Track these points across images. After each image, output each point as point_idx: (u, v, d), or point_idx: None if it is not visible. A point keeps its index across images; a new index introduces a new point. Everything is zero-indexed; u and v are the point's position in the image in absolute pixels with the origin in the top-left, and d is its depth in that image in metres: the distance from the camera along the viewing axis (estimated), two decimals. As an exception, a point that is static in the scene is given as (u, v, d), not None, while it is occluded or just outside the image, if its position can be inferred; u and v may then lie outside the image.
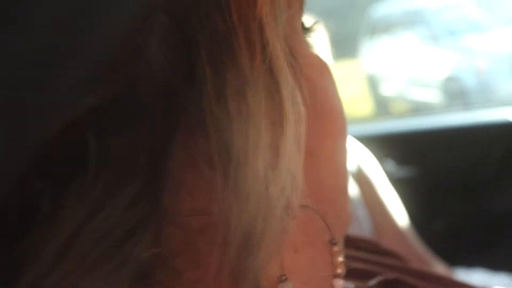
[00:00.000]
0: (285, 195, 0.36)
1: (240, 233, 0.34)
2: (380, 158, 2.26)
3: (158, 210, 0.35)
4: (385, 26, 8.50)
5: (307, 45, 0.49)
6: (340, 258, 0.45)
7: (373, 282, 0.62)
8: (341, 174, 0.46)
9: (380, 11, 8.54)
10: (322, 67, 0.48)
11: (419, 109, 7.51)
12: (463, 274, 1.79)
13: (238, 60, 0.35)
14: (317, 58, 0.49)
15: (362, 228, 1.51)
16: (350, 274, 0.62)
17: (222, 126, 0.34)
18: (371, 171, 1.61)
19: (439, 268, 1.59)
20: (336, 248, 0.44)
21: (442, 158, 2.31)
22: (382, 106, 8.36)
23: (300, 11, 0.47)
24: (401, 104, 8.17)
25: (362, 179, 1.59)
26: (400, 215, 1.58)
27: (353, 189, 1.55)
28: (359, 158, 1.62)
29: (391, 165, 2.27)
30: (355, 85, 9.05)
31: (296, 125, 0.37)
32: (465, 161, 2.31)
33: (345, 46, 9.14)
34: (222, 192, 0.34)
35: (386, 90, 8.30)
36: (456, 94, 7.14)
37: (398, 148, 2.31)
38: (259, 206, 0.34)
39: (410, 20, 8.23)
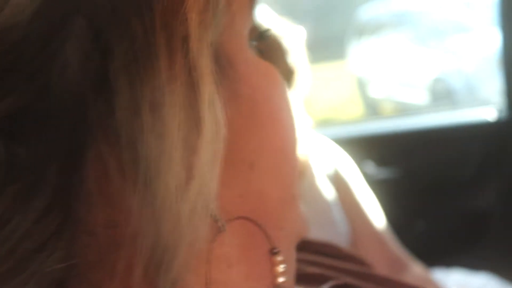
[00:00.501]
0: (198, 210, 0.35)
1: (152, 247, 0.33)
2: (361, 159, 2.26)
3: (71, 221, 0.34)
4: (373, 28, 8.49)
5: (253, 53, 0.47)
6: (282, 268, 0.44)
7: (325, 287, 0.61)
8: (286, 185, 0.45)
9: (367, 12, 8.54)
10: (269, 76, 0.47)
11: (407, 110, 7.51)
12: (441, 274, 1.79)
13: (156, 72, 0.34)
14: (264, 67, 0.47)
15: (339, 230, 1.50)
16: (304, 279, 0.61)
17: (135, 138, 0.33)
18: (348, 173, 1.60)
19: (417, 269, 1.58)
20: (277, 258, 0.44)
21: (422, 159, 2.31)
22: (371, 108, 8.36)
23: (247, 18, 0.46)
24: (390, 105, 8.17)
25: (339, 182, 1.58)
26: (377, 217, 1.57)
27: (330, 192, 1.54)
28: (336, 161, 1.61)
29: (372, 166, 2.27)
30: (344, 87, 9.04)
31: (212, 141, 0.36)
32: (444, 162, 2.32)
33: (333, 48, 9.13)
34: (134, 205, 0.33)
35: (375, 91, 8.29)
36: (443, 95, 7.15)
37: (378, 149, 2.31)
38: (170, 221, 0.34)
39: (397, 21, 8.23)
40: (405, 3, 8.20)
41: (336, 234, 1.50)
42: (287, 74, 1.49)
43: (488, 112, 2.37)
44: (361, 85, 8.61)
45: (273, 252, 0.43)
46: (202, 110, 0.35)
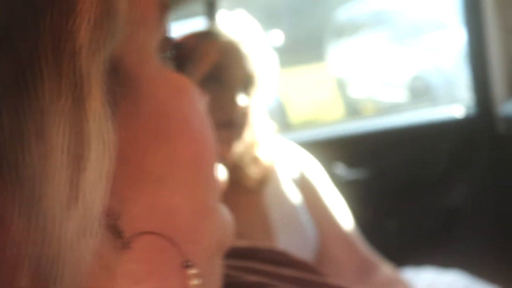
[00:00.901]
0: (85, 229, 0.34)
1: (35, 269, 0.33)
2: (331, 161, 2.26)
3: None
4: (351, 28, 8.52)
5: (162, 66, 0.47)
6: (196, 281, 0.44)
7: None
8: (199, 198, 0.45)
9: (345, 13, 8.56)
10: (178, 88, 0.45)
11: (387, 109, 7.54)
12: (411, 274, 1.79)
13: (40, 91, 0.33)
14: (173, 79, 0.46)
15: (306, 234, 1.50)
16: (241, 287, 0.61)
17: (19, 160, 0.32)
18: (314, 176, 1.60)
19: (386, 269, 1.58)
20: (191, 271, 0.44)
21: (391, 159, 2.32)
22: (352, 108, 8.38)
23: (155, 30, 0.45)
24: (370, 104, 8.20)
25: (305, 185, 1.58)
26: (345, 219, 1.57)
27: (296, 196, 1.54)
28: (301, 164, 1.61)
29: (342, 167, 2.27)
30: (324, 88, 9.05)
31: (100, 160, 0.35)
32: (414, 161, 2.32)
33: (312, 50, 9.16)
34: (18, 227, 0.33)
35: (355, 91, 8.32)
36: (422, 92, 7.18)
37: (348, 150, 2.31)
38: (56, 241, 0.33)
39: (375, 21, 8.26)
40: (382, 2, 8.23)
41: (304, 237, 1.50)
42: (246, 80, 1.49)
43: (457, 109, 2.38)
44: (341, 86, 8.63)
45: (185, 266, 0.43)
46: (88, 129, 0.35)
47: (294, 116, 8.39)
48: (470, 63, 2.38)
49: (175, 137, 0.42)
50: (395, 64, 7.73)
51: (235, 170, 1.54)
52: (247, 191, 1.53)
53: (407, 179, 2.33)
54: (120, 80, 0.39)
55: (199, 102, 0.47)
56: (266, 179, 1.55)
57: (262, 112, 1.61)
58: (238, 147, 1.51)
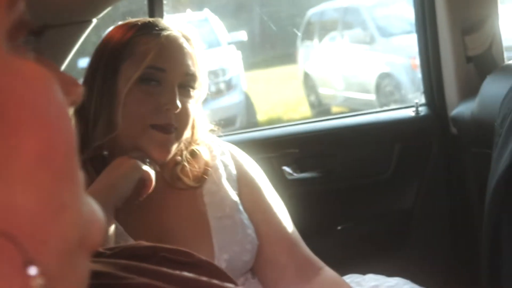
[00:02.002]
0: None
1: None
2: (279, 160, 2.24)
3: None
4: (321, 28, 8.56)
5: (8, 52, 0.42)
6: (39, 281, 0.40)
7: None
8: (48, 195, 0.41)
9: (316, 13, 8.60)
10: (28, 77, 0.42)
11: (356, 108, 7.57)
12: (355, 278, 1.77)
13: None
14: (22, 67, 0.42)
15: (244, 234, 1.47)
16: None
17: None
18: (253, 176, 1.57)
19: (329, 273, 1.55)
20: (32, 272, 0.40)
21: (341, 159, 2.30)
22: (321, 107, 8.42)
23: (4, 17, 0.41)
24: (339, 103, 8.24)
25: (244, 185, 1.55)
26: (285, 221, 1.54)
27: (236, 195, 1.52)
28: (241, 164, 1.58)
29: (292, 167, 2.25)
30: (293, 87, 9.09)
31: None
32: (365, 161, 2.31)
33: (282, 49, 9.18)
34: None
35: (324, 90, 8.35)
36: (391, 90, 7.22)
37: (298, 150, 2.28)
38: None
39: (345, 20, 8.30)
40: (352, 2, 8.28)
41: (241, 237, 1.47)
42: (187, 80, 1.45)
43: (411, 110, 2.37)
44: (310, 84, 8.67)
45: (27, 265, 0.39)
46: None
47: (263, 114, 8.41)
48: (423, 64, 2.37)
49: (18, 129, 0.39)
50: (365, 63, 7.77)
51: (174, 167, 1.51)
52: (185, 189, 1.50)
53: (358, 180, 2.32)
54: None
55: (54, 92, 0.43)
56: (205, 177, 1.52)
57: (202, 112, 1.57)
58: (176, 149, 1.47)
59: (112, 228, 1.34)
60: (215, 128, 1.63)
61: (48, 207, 0.40)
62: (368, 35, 7.64)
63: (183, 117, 1.45)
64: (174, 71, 1.43)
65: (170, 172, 1.51)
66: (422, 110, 2.36)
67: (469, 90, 2.16)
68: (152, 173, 1.40)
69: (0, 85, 0.39)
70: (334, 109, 8.32)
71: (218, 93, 7.27)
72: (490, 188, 1.73)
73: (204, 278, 0.68)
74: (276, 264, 1.51)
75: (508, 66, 2.11)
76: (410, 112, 2.37)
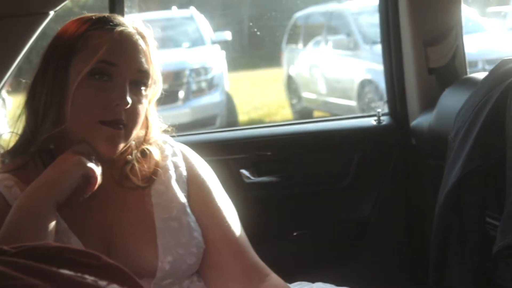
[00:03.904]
0: None
1: None
2: (238, 165, 2.24)
3: None
4: (307, 32, 8.57)
5: None
6: None
7: None
8: None
9: (301, 18, 8.60)
10: None
11: (337, 113, 7.59)
12: (304, 286, 1.76)
13: None
14: None
15: (191, 236, 1.45)
16: None
17: None
18: (203, 179, 1.56)
19: (275, 280, 1.54)
20: None
21: (300, 166, 2.29)
22: (303, 111, 8.43)
23: None
24: (320, 107, 8.25)
25: (193, 187, 1.54)
26: (233, 224, 1.53)
27: (184, 197, 1.51)
28: (192, 165, 1.57)
29: (249, 172, 2.25)
30: (276, 90, 9.09)
31: None
32: (324, 168, 2.30)
33: (268, 52, 9.17)
34: None
35: (307, 94, 8.36)
36: (372, 98, 7.23)
37: (258, 154, 2.28)
38: None
39: (331, 26, 8.31)
40: (338, 8, 8.29)
41: (188, 239, 1.46)
42: (139, 76, 1.44)
43: (372, 119, 2.37)
44: (293, 88, 8.67)
45: None
46: None
47: (244, 115, 8.40)
48: (387, 74, 2.38)
49: None
50: (347, 69, 7.79)
51: (123, 166, 1.50)
52: (133, 188, 1.49)
53: (316, 187, 2.32)
54: None
55: None
56: (154, 178, 1.51)
57: (154, 110, 1.57)
58: (125, 146, 1.47)
59: (53, 224, 1.33)
60: (169, 129, 1.63)
61: None
62: (352, 41, 7.66)
63: (133, 114, 1.43)
64: (126, 67, 1.42)
65: (119, 171, 1.49)
66: (384, 119, 2.36)
67: (429, 102, 2.16)
68: (97, 170, 1.39)
69: None
70: (316, 113, 8.33)
71: (199, 91, 7.25)
72: (439, 202, 1.74)
73: (102, 283, 0.68)
74: (222, 269, 1.50)
75: (468, 79, 2.12)
76: (372, 121, 2.37)
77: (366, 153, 2.32)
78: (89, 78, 1.40)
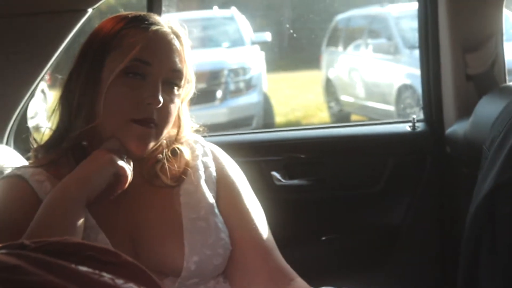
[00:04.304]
0: None
1: None
2: (270, 167, 2.23)
3: None
4: (347, 35, 8.53)
5: None
6: None
7: None
8: None
9: (343, 21, 8.57)
10: None
11: (375, 117, 7.54)
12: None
13: None
14: None
15: (218, 236, 1.45)
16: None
17: None
18: (233, 180, 1.56)
19: (301, 284, 1.53)
20: None
21: (333, 169, 2.28)
22: (340, 114, 8.39)
23: None
24: (359, 112, 8.21)
25: (222, 188, 1.54)
26: (261, 226, 1.53)
27: (213, 198, 1.51)
28: (222, 166, 1.57)
29: (281, 174, 2.24)
30: (316, 93, 9.06)
31: None
32: (357, 174, 2.29)
33: (308, 55, 9.16)
34: None
35: (345, 98, 8.33)
36: (411, 104, 7.17)
37: (290, 156, 2.27)
38: None
39: (372, 29, 8.27)
40: (379, 12, 8.23)
41: (214, 240, 1.46)
42: (172, 76, 1.44)
43: (406, 125, 2.35)
44: (332, 91, 8.64)
45: None
46: None
47: (281, 116, 8.40)
48: (424, 80, 2.35)
49: None
50: (387, 73, 7.73)
51: (154, 165, 1.50)
52: (162, 187, 1.49)
53: (347, 191, 2.30)
54: None
55: None
56: (183, 177, 1.51)
57: (186, 110, 1.57)
58: (156, 145, 1.47)
59: (82, 220, 1.34)
60: (201, 129, 1.63)
61: None
62: (392, 45, 7.59)
63: (164, 113, 1.44)
64: (159, 66, 1.43)
65: (149, 169, 1.50)
66: (419, 126, 2.33)
67: (466, 109, 2.13)
68: (128, 169, 1.40)
69: None
70: (353, 117, 8.29)
71: (237, 92, 7.26)
72: (471, 212, 1.71)
73: (119, 281, 0.69)
74: (248, 271, 1.49)
75: (506, 87, 2.08)
76: (406, 127, 2.35)
77: (400, 159, 2.30)
78: (122, 76, 1.41)
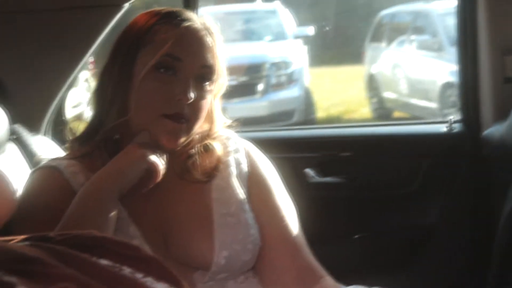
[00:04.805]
0: None
1: None
2: (303, 164, 2.24)
3: None
4: (391, 31, 8.47)
5: None
6: None
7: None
8: None
9: (387, 16, 8.51)
10: None
11: (417, 114, 7.48)
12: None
13: None
14: None
15: (248, 233, 1.46)
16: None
17: None
18: (265, 176, 1.57)
19: (329, 282, 1.53)
20: None
21: (368, 168, 2.28)
22: (382, 111, 8.34)
23: None
24: (401, 109, 8.14)
25: (254, 183, 1.54)
26: (291, 223, 1.53)
27: (244, 193, 1.52)
28: (254, 162, 1.58)
29: (315, 171, 2.24)
30: (358, 88, 9.02)
31: None
32: (391, 173, 2.28)
33: (351, 50, 9.12)
34: None
35: (388, 94, 8.27)
36: (454, 102, 7.08)
37: (324, 154, 2.28)
38: None
39: (416, 25, 8.18)
40: (424, 8, 8.15)
41: (244, 236, 1.47)
42: (203, 72, 1.45)
43: (443, 126, 2.33)
44: (374, 86, 8.58)
45: None
46: None
47: (323, 111, 8.38)
48: (461, 81, 2.32)
49: None
50: (430, 70, 7.65)
51: (186, 160, 1.52)
52: (194, 181, 1.51)
53: (381, 191, 2.29)
54: None
55: None
56: (215, 173, 1.52)
57: (219, 105, 1.58)
58: (187, 140, 1.49)
59: (114, 213, 1.36)
60: (234, 124, 1.64)
61: None
62: (437, 42, 7.51)
63: (195, 109, 1.45)
64: (190, 62, 1.44)
65: (181, 164, 1.52)
66: (456, 127, 2.31)
67: (504, 112, 2.09)
68: (160, 164, 1.41)
69: None
70: (396, 113, 8.22)
71: (279, 85, 7.26)
72: (504, 216, 1.70)
73: (139, 275, 0.70)
74: (277, 267, 1.50)
75: (546, 91, 2.06)
76: (443, 128, 2.32)
77: (435, 160, 2.28)
78: (154, 71, 1.42)
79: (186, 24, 1.46)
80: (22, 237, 0.70)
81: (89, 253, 0.70)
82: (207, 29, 1.49)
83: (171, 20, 1.47)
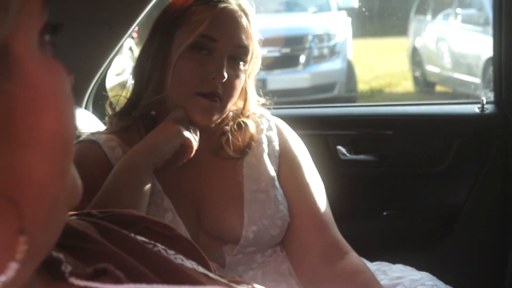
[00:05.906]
0: None
1: None
2: (335, 142, 2.27)
3: None
4: (436, 5, 8.34)
5: (42, 50, 0.50)
6: (24, 246, 0.48)
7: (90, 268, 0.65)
8: (55, 162, 0.50)
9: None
10: (51, 70, 0.50)
11: (460, 89, 7.39)
12: (383, 267, 1.77)
13: None
14: (48, 62, 0.51)
15: (277, 209, 1.51)
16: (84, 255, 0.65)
17: None
18: (295, 154, 1.61)
19: (355, 258, 1.58)
20: (22, 237, 0.47)
21: (399, 147, 2.29)
22: (425, 84, 8.25)
23: (39, 17, 0.49)
24: (444, 83, 8.05)
25: (284, 161, 1.58)
26: (320, 201, 1.57)
27: (273, 170, 1.56)
28: (285, 139, 1.62)
29: (346, 149, 2.27)
30: (401, 61, 8.93)
31: None
32: (421, 152, 2.29)
33: (395, 23, 9.01)
34: None
35: (431, 68, 8.17)
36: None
37: (357, 132, 2.30)
38: None
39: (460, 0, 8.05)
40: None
41: (274, 212, 1.51)
42: (237, 51, 1.49)
43: (475, 106, 2.33)
44: (418, 60, 8.48)
45: (21, 232, 0.47)
46: None
47: (364, 84, 8.33)
48: (496, 62, 2.30)
49: (46, 109, 0.48)
50: (475, 44, 7.53)
51: (220, 137, 1.57)
52: (227, 158, 1.56)
53: (411, 169, 2.31)
54: (7, 62, 0.45)
55: (66, 83, 0.52)
56: (247, 150, 1.58)
57: (253, 84, 1.62)
58: (220, 117, 1.54)
59: (149, 186, 1.42)
60: (267, 103, 1.68)
61: (51, 173, 0.49)
62: (482, 16, 7.38)
63: (229, 88, 1.50)
64: (225, 42, 1.48)
65: (215, 141, 1.57)
66: (488, 108, 2.30)
67: (537, 94, 2.10)
68: (194, 140, 1.47)
69: (36, 76, 0.48)
70: (438, 88, 8.14)
71: (321, 57, 7.23)
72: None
73: (171, 252, 0.75)
74: (304, 243, 1.54)
75: None
76: (475, 108, 2.32)
77: (466, 141, 2.28)
78: (189, 51, 1.48)
79: (222, 5, 1.51)
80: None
81: (128, 230, 0.76)
82: (242, 10, 1.54)
83: (207, 1, 1.52)
